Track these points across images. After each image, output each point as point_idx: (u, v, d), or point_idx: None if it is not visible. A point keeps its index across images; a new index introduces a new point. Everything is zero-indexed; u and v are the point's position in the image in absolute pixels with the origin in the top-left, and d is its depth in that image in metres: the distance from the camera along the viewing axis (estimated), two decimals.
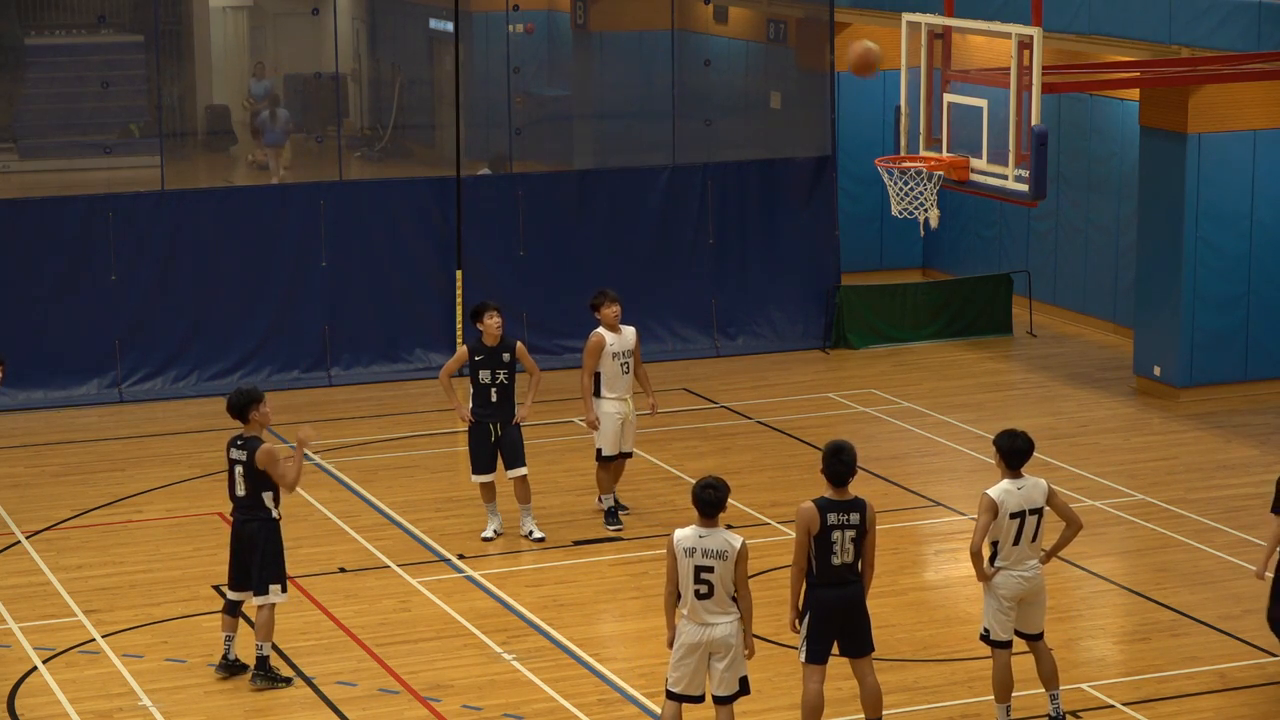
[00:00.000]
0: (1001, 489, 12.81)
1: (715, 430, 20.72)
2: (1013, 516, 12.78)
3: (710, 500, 11.99)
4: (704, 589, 11.93)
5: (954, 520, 17.77)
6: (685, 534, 12.01)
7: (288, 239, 22.67)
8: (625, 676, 14.17)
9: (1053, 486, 13.07)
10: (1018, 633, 13.03)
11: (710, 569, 11.90)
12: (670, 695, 12.21)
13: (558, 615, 15.46)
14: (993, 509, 12.75)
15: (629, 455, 17.55)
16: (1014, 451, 12.90)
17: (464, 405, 17.02)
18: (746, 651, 12.13)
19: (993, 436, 13.13)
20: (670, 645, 12.16)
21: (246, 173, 29.26)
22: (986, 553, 12.82)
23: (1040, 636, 13.10)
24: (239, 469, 13.87)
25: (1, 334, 21.76)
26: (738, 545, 11.95)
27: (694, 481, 11.77)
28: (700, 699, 12.21)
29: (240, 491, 13.90)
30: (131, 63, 28.17)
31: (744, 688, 12.21)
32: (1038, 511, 12.88)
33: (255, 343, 22.53)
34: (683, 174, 23.95)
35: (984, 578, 12.84)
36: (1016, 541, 12.82)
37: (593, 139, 27.83)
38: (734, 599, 12.03)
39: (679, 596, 12.05)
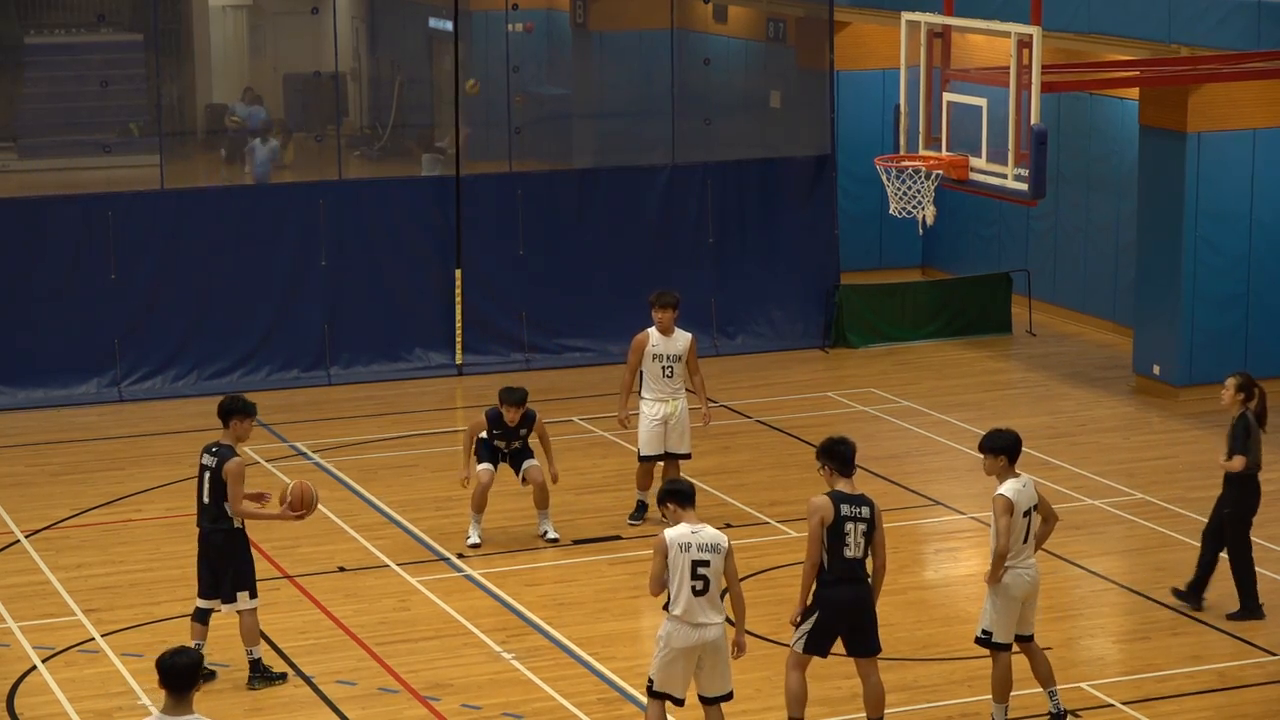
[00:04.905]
0: (1013, 489, 12.82)
1: (715, 429, 20.67)
2: (1024, 515, 12.82)
3: (687, 491, 12.08)
4: (700, 585, 11.88)
5: (953, 519, 17.77)
6: (677, 531, 11.98)
7: (287, 238, 22.67)
8: (625, 675, 14.16)
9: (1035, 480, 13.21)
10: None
11: (706, 563, 11.88)
12: (654, 694, 12.18)
13: (557, 614, 15.46)
14: (1010, 509, 12.76)
15: (684, 456, 17.34)
16: (1017, 446, 12.94)
17: (469, 467, 16.85)
18: (737, 651, 12.13)
19: (980, 442, 13.10)
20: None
21: (245, 172, 29.25)
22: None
23: (1031, 638, 13.11)
24: (207, 474, 13.82)
25: (1, 333, 21.79)
26: (726, 540, 12.03)
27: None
28: (682, 701, 12.16)
29: (205, 499, 13.84)
30: (131, 62, 28.17)
31: (731, 692, 12.24)
32: (1036, 507, 12.95)
33: (255, 342, 22.52)
34: (682, 173, 23.95)
35: (996, 580, 12.83)
36: (1025, 539, 12.85)
37: (592, 138, 27.85)
38: (721, 599, 12.01)
39: (668, 599, 12.00)
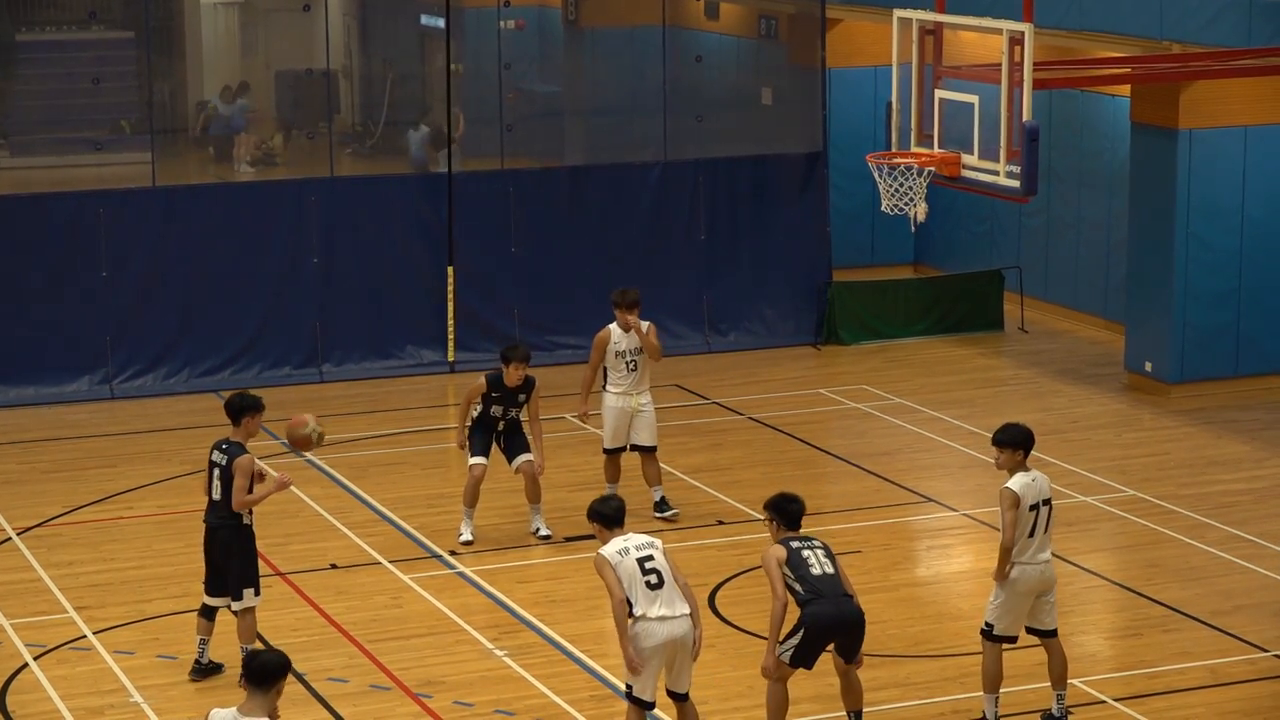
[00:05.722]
0: (1020, 483, 12.81)
1: (706, 427, 20.71)
2: (1031, 509, 12.80)
3: (611, 515, 12.13)
4: (654, 578, 11.92)
5: (945, 515, 17.77)
6: (609, 546, 12.04)
7: (279, 235, 22.67)
8: (617, 672, 14.12)
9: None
10: (1034, 629, 13.02)
11: (650, 557, 11.96)
12: (634, 699, 12.12)
13: (549, 611, 15.46)
14: (1017, 502, 12.74)
15: (651, 449, 17.44)
16: (1031, 440, 12.91)
17: (462, 432, 16.93)
18: (696, 650, 12.06)
19: (993, 435, 13.08)
20: (633, 668, 11.99)
21: (233, 169, 29.20)
22: None
23: (1055, 633, 13.08)
24: (217, 471, 13.82)
25: None
26: (657, 539, 12.14)
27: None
28: (653, 705, 12.14)
29: (215, 495, 13.83)
30: (122, 59, 28.07)
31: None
32: (1048, 503, 12.91)
33: (246, 339, 22.51)
34: (674, 170, 23.95)
35: (1003, 575, 12.81)
36: (1032, 534, 12.83)
37: (584, 135, 27.79)
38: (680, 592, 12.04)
39: (630, 607, 11.95)
